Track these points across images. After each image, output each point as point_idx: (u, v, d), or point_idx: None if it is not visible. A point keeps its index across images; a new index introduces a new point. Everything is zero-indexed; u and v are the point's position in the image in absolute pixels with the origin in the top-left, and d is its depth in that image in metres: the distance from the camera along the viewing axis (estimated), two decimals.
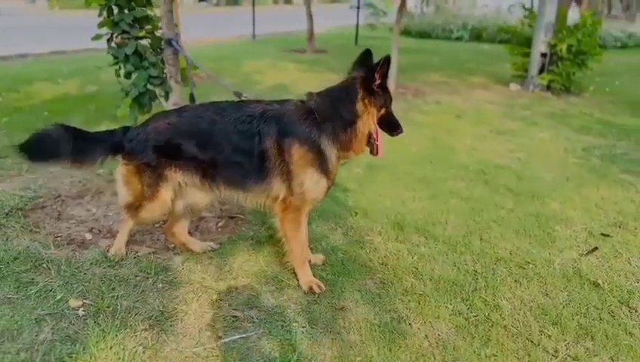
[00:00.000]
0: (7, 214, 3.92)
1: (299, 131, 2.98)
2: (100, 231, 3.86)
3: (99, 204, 4.33)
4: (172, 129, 3.10)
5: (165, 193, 3.13)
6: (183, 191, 3.23)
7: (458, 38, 22.50)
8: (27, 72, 10.62)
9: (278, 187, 3.05)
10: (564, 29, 10.17)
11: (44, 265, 3.27)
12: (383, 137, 3.14)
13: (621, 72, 13.38)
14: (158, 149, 3.07)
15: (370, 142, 3.09)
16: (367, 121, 3.01)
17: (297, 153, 2.97)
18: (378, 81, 2.96)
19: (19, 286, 3.03)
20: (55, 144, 3.09)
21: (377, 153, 3.11)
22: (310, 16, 15.94)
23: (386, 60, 2.92)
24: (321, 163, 3.00)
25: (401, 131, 3.15)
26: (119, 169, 3.18)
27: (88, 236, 3.75)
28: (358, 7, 21.16)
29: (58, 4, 37.50)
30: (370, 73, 2.96)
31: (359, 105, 2.98)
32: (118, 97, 8.12)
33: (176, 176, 3.14)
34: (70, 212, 4.16)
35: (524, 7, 12.10)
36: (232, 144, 3.02)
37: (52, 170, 4.98)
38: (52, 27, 21.22)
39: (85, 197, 4.42)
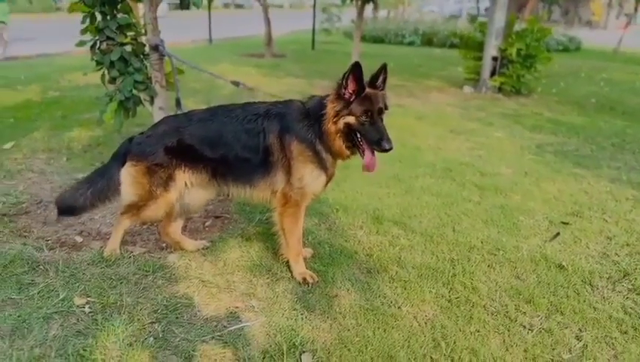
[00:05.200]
0: None
1: (297, 130, 3.18)
2: (89, 233, 3.93)
3: None
4: (184, 131, 3.26)
5: (173, 193, 3.29)
6: (184, 192, 3.37)
7: (410, 43, 23.21)
8: None
9: (280, 181, 3.24)
10: (513, 34, 10.77)
11: (42, 267, 3.34)
12: (374, 154, 3.12)
13: (565, 74, 14.22)
14: (169, 150, 3.22)
15: (356, 145, 3.13)
16: (329, 122, 3.09)
17: (296, 150, 3.17)
18: (349, 87, 3.02)
19: (20, 288, 3.10)
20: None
21: (365, 162, 3.12)
22: (268, 21, 16.12)
23: (354, 67, 2.98)
24: (319, 159, 3.19)
25: (383, 148, 3.00)
26: (127, 170, 3.29)
27: (79, 239, 3.82)
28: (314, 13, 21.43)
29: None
30: (341, 80, 3.03)
31: (328, 107, 3.12)
32: (83, 103, 8.19)
33: (184, 177, 3.29)
34: (55, 216, 4.18)
35: (473, 17, 12.76)
36: (241, 142, 3.22)
37: (30, 175, 4.99)
38: None
39: None
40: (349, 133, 3.09)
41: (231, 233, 4.02)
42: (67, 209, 3.54)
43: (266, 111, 3.25)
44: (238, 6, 65.81)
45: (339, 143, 3.14)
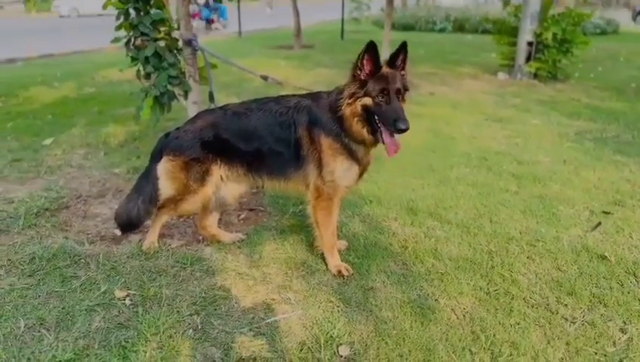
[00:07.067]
0: (36, 214, 4.06)
1: (323, 122, 3.16)
2: None
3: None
4: (219, 125, 3.30)
5: (209, 187, 3.33)
6: (220, 186, 3.40)
7: (441, 30, 22.85)
8: (20, 76, 10.64)
9: (312, 174, 3.24)
10: (548, 18, 10.47)
11: (83, 261, 3.42)
12: (393, 136, 3.06)
13: (602, 58, 13.76)
14: (206, 145, 3.26)
15: (374, 129, 3.05)
16: (345, 104, 3.03)
17: (325, 142, 3.15)
18: (365, 68, 2.96)
19: (63, 281, 3.19)
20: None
21: (387, 145, 3.07)
22: (297, 12, 16.07)
23: (369, 47, 2.91)
24: (349, 151, 3.16)
25: (399, 128, 2.91)
26: (163, 165, 3.34)
27: (118, 232, 3.88)
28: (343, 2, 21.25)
29: (35, 7, 37.24)
30: (356, 60, 2.98)
31: (345, 90, 3.07)
32: (118, 99, 8.35)
33: (219, 171, 3.33)
34: (94, 210, 4.29)
35: (506, 1, 12.44)
36: (274, 135, 3.23)
37: (69, 170, 5.12)
38: (31, 31, 21.05)
39: (106, 196, 4.55)
40: (366, 115, 3.02)
41: (265, 226, 4.04)
42: (127, 224, 3.59)
43: (296, 103, 3.26)
44: None
45: (357, 128, 3.06)
